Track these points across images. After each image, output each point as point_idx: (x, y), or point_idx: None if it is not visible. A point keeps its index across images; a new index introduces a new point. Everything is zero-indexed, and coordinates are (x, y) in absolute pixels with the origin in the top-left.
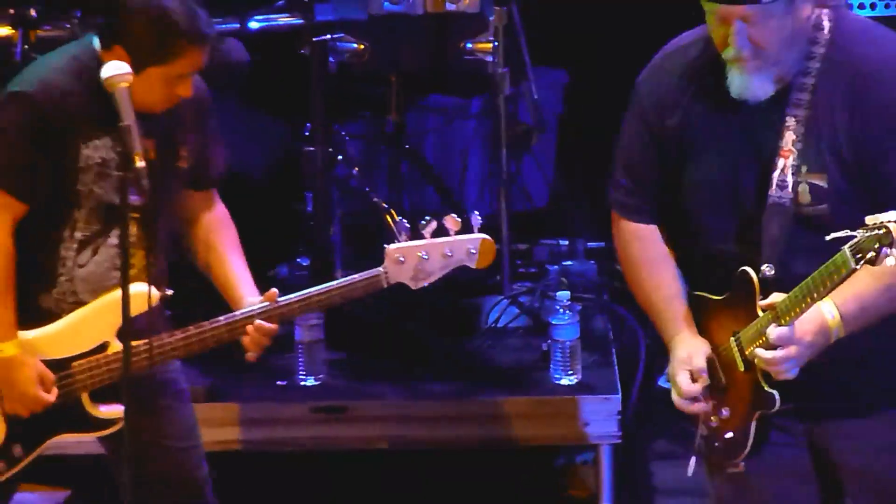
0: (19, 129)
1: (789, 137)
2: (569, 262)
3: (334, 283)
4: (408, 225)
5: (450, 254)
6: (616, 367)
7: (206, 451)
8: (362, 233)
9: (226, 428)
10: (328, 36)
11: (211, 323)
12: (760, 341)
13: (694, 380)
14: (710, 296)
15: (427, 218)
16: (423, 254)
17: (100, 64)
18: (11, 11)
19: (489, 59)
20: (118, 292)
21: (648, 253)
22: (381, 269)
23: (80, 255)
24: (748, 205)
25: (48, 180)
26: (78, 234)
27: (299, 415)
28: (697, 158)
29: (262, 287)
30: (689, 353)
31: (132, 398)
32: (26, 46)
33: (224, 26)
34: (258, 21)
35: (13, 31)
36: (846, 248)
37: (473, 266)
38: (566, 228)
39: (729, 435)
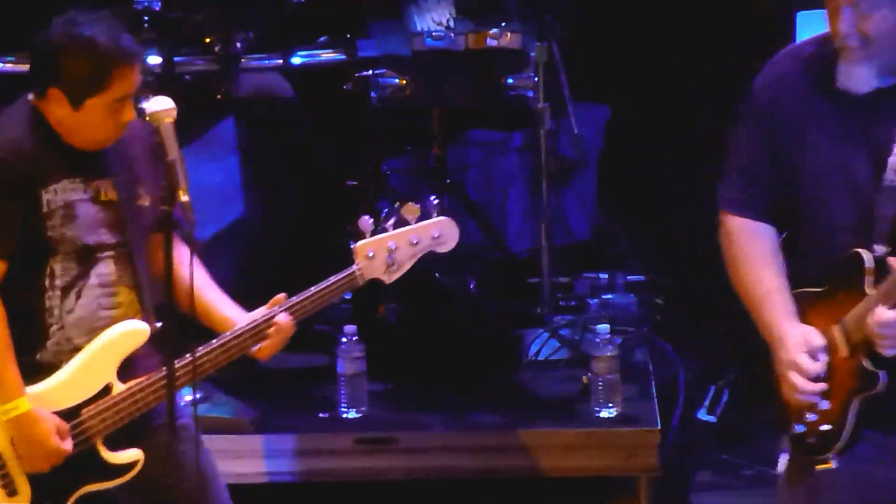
0: None
1: None
2: (609, 296)
3: (313, 288)
4: (370, 220)
5: (416, 241)
6: (656, 400)
7: (250, 482)
8: None
9: (270, 460)
10: (371, 71)
11: (214, 343)
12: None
13: (814, 359)
14: (811, 289)
15: (386, 211)
16: (392, 244)
17: (40, 117)
18: None
19: (530, 94)
20: (111, 332)
21: (756, 247)
22: (354, 266)
23: (65, 301)
24: (862, 193)
25: (20, 232)
26: (58, 282)
27: (344, 446)
28: (811, 149)
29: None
30: (803, 336)
31: (146, 439)
32: None
33: (267, 62)
34: (301, 57)
35: None
36: None
37: (440, 251)
38: (606, 262)
39: (825, 427)
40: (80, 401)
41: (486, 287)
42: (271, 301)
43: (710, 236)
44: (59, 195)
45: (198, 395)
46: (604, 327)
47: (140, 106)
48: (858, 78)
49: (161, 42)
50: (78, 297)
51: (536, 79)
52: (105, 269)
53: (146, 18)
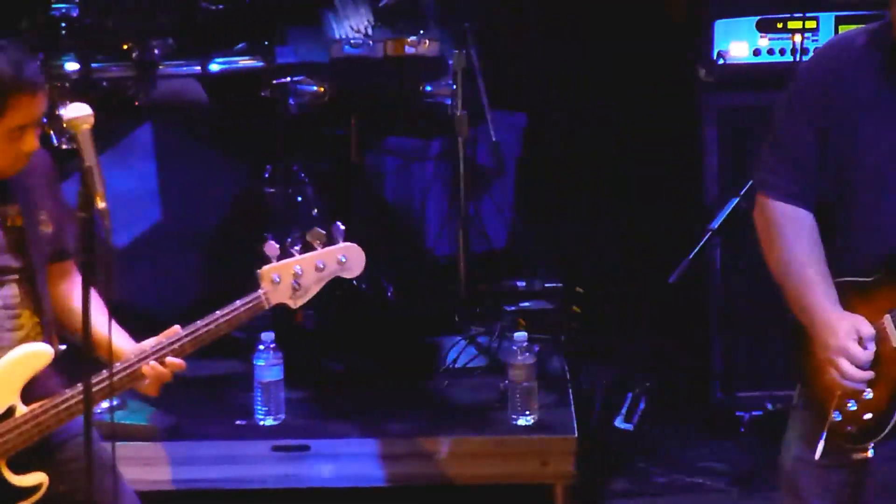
0: None
1: None
2: (526, 303)
3: (218, 312)
4: (276, 245)
5: (322, 266)
6: (573, 408)
7: (165, 490)
8: None
9: (186, 467)
10: (289, 78)
11: (110, 371)
12: None
13: (863, 348)
14: (858, 279)
15: (292, 235)
16: (297, 269)
17: None
18: None
19: (448, 101)
20: (14, 354)
21: (799, 234)
22: (260, 291)
23: None
24: None
25: None
26: None
27: (260, 453)
28: (866, 138)
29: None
30: (853, 324)
31: (50, 460)
32: None
33: (185, 69)
34: (219, 63)
35: None
36: None
37: (346, 276)
38: (524, 269)
39: (867, 416)
40: None
41: (404, 294)
42: (165, 332)
43: (627, 242)
44: None
45: (114, 402)
46: (521, 335)
47: (58, 112)
48: None
49: (78, 48)
50: None
51: (455, 86)
52: (8, 291)
53: (63, 25)
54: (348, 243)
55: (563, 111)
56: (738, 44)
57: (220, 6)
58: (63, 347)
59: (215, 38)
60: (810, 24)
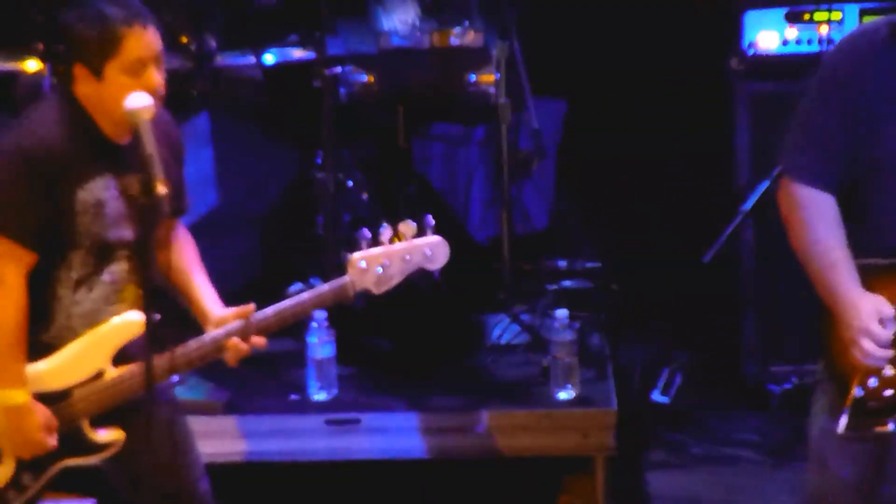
0: (17, 183)
1: None
2: (567, 282)
3: (305, 294)
4: (368, 234)
5: (409, 258)
6: (612, 382)
7: (222, 462)
8: None
9: (242, 440)
10: (339, 69)
11: (197, 342)
12: None
13: (884, 328)
14: (879, 261)
15: (385, 225)
16: (385, 260)
17: (77, 105)
18: (41, 46)
19: (492, 90)
20: (110, 322)
21: (824, 217)
22: (347, 277)
23: (77, 293)
24: None
25: (50, 227)
26: (74, 274)
27: (313, 427)
28: (884, 124)
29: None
30: (874, 305)
31: (130, 420)
32: (54, 80)
33: (240, 60)
34: (273, 55)
35: (42, 66)
36: None
37: (430, 268)
38: (565, 249)
39: (888, 392)
40: (73, 383)
41: (450, 274)
42: (238, 310)
43: (663, 223)
44: (93, 193)
45: (174, 379)
46: (562, 312)
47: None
48: None
49: None
50: (89, 290)
51: (498, 75)
52: (118, 267)
53: None
54: (435, 237)
55: (602, 98)
56: (768, 34)
57: (274, 1)
58: (157, 317)
59: (268, 30)
60: (836, 16)
